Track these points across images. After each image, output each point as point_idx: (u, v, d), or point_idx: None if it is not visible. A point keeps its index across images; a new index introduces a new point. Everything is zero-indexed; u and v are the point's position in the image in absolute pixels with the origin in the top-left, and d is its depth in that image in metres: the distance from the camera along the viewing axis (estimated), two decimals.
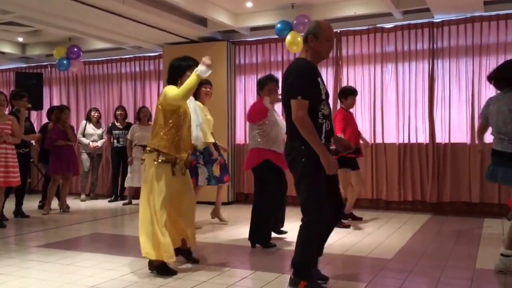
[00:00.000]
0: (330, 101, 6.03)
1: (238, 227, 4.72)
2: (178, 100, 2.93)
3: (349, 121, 4.76)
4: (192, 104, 3.19)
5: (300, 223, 2.63)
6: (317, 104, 2.58)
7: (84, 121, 6.88)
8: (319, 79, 2.65)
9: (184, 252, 3.26)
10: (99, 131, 6.86)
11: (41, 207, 6.08)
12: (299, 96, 2.51)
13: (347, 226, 4.62)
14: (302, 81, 2.56)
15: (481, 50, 5.50)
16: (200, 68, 2.90)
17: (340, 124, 4.62)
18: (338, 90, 6.08)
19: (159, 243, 2.92)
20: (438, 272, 3.07)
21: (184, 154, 3.10)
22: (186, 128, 3.08)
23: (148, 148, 3.06)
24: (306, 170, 2.55)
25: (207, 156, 4.45)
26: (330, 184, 2.65)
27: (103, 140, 6.87)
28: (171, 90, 2.97)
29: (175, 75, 3.07)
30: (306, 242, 2.60)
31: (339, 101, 4.91)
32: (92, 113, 6.85)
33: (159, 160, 2.98)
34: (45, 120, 8.19)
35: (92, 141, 6.73)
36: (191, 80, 2.91)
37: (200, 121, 3.18)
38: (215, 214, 4.94)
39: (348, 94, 4.78)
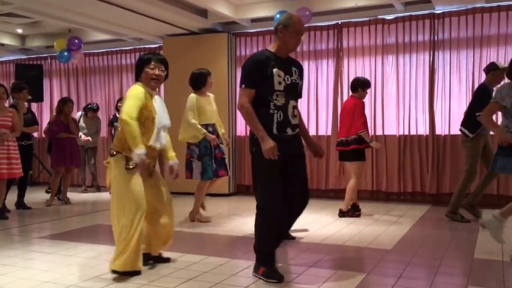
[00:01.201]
0: (330, 93, 6.21)
1: (239, 219, 4.75)
2: (122, 118, 2.66)
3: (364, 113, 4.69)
4: (158, 103, 2.87)
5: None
6: (267, 95, 2.63)
7: (80, 113, 6.83)
8: (275, 70, 2.63)
9: (153, 258, 3.03)
10: (93, 127, 6.79)
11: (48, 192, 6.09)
12: (242, 85, 2.65)
13: (358, 215, 4.71)
14: (246, 71, 2.65)
15: (482, 42, 5.48)
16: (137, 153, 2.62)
17: (362, 118, 4.51)
18: (339, 82, 6.13)
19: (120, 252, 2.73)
20: (437, 262, 3.09)
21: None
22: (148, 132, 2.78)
23: (113, 152, 2.79)
24: (256, 158, 2.64)
25: (203, 150, 4.34)
26: (290, 172, 2.68)
27: (95, 136, 6.80)
28: (130, 100, 2.69)
29: (137, 70, 2.88)
30: (259, 230, 2.72)
31: (351, 91, 4.76)
32: (88, 112, 6.80)
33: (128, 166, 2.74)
34: (46, 111, 8.22)
35: (85, 134, 6.69)
36: (134, 140, 2.62)
37: (162, 123, 2.84)
38: (193, 214, 4.54)
39: (366, 86, 4.67)
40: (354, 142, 4.49)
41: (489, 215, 3.26)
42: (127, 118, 2.65)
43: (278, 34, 2.68)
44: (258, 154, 2.60)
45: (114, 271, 2.77)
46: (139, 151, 2.62)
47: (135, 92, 2.75)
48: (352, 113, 4.51)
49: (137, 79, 2.90)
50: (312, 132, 5.87)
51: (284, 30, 2.65)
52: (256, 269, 2.76)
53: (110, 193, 2.87)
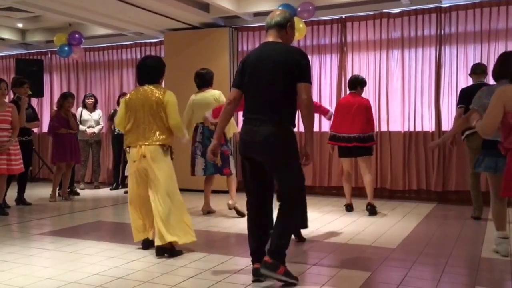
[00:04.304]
0: (334, 89, 6.13)
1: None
2: (178, 127, 3.32)
3: None
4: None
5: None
6: None
7: (80, 108, 6.79)
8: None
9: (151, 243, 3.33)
10: (96, 116, 6.72)
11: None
12: (309, 82, 2.63)
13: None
14: (309, 68, 2.69)
15: (489, 36, 5.37)
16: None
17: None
18: (343, 77, 6.03)
19: (187, 226, 3.26)
20: (443, 261, 3.04)
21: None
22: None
23: (162, 144, 3.25)
24: (295, 153, 2.63)
25: (207, 146, 4.44)
26: None
27: (99, 127, 6.73)
28: (177, 109, 3.30)
29: (162, 72, 3.40)
30: (295, 224, 2.74)
31: (352, 89, 4.83)
32: (87, 100, 6.75)
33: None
34: (46, 107, 8.18)
35: (88, 127, 6.63)
36: (183, 134, 3.44)
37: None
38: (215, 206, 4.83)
39: (365, 84, 4.94)
40: (372, 139, 4.74)
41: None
42: (181, 124, 3.36)
43: (287, 30, 2.68)
44: (296, 151, 2.63)
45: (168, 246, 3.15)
46: (187, 136, 3.56)
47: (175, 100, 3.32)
48: (366, 111, 4.72)
49: (157, 80, 3.35)
50: (314, 128, 5.79)
51: (291, 29, 2.69)
52: (274, 268, 2.52)
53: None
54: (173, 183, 3.23)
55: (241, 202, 5.57)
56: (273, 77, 2.55)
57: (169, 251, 3.16)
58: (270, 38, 2.67)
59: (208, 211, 4.78)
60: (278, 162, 2.58)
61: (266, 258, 2.56)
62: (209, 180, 4.72)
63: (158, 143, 3.21)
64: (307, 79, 2.56)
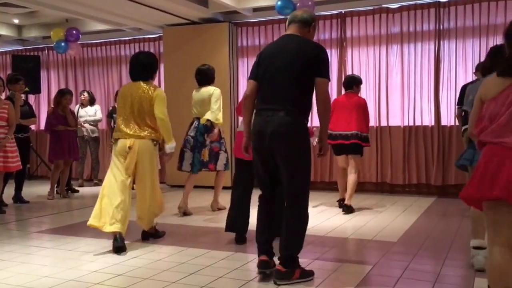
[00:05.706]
0: (334, 84, 6.10)
1: None
2: (162, 118, 3.32)
3: None
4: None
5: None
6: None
7: (77, 105, 6.73)
8: None
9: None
10: (91, 112, 6.63)
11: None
12: (328, 78, 2.65)
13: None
14: (328, 63, 2.68)
15: (488, 31, 5.37)
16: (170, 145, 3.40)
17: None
18: (343, 73, 6.01)
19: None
20: (443, 254, 3.05)
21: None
22: None
23: (154, 141, 3.36)
24: (307, 150, 2.57)
25: (199, 142, 4.31)
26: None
27: (93, 117, 6.58)
28: (164, 104, 3.35)
29: (155, 68, 3.46)
30: (306, 226, 2.58)
31: (350, 88, 4.75)
32: (80, 96, 6.70)
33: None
34: (43, 103, 8.12)
35: (84, 122, 6.56)
36: (170, 135, 3.37)
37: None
38: (184, 207, 4.49)
39: (361, 82, 4.85)
40: (368, 140, 4.65)
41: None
42: (166, 118, 3.31)
43: (309, 29, 2.65)
44: (308, 146, 2.57)
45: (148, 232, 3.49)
46: (174, 144, 3.40)
47: (165, 99, 3.38)
48: (364, 111, 4.64)
49: (151, 76, 3.41)
50: (314, 123, 5.77)
51: (314, 29, 2.69)
52: (289, 276, 2.46)
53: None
54: (155, 177, 3.39)
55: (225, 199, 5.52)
56: (290, 68, 2.48)
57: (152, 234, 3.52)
58: (290, 32, 2.63)
59: (182, 210, 4.50)
60: (288, 153, 2.47)
61: (279, 267, 2.48)
62: (193, 177, 4.47)
63: (147, 138, 3.29)
64: (326, 74, 2.49)
